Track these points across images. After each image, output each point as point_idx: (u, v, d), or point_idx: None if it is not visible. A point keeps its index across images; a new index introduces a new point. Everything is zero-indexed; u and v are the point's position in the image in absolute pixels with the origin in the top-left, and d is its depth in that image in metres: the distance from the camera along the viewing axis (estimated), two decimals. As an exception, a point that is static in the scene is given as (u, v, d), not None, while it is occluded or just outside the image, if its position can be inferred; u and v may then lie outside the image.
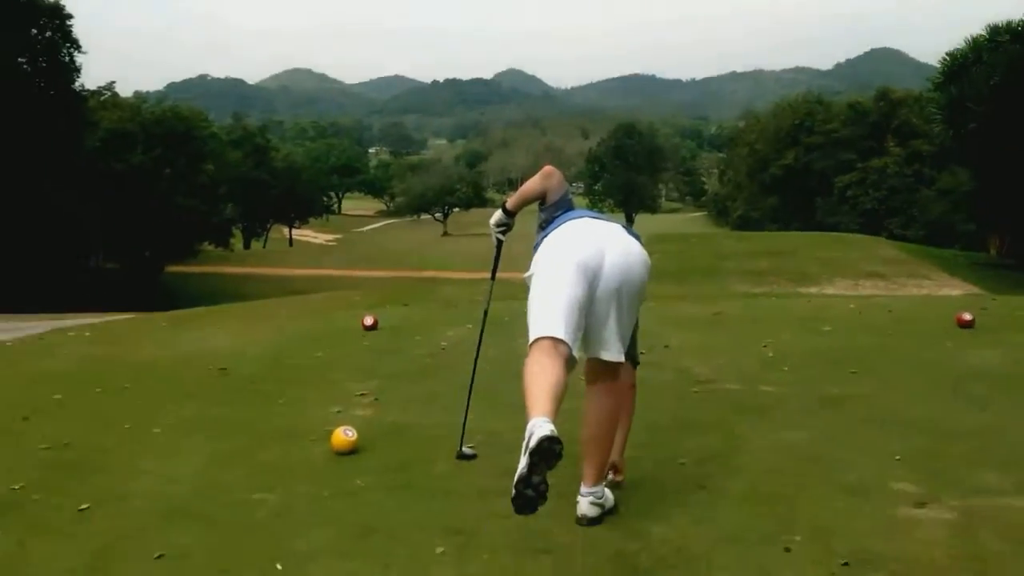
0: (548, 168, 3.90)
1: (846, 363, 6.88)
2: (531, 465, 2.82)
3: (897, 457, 4.46)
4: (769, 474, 4.26)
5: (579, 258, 3.47)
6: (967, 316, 8.60)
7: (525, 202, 3.93)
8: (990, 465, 4.31)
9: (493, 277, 4.31)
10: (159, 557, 3.44)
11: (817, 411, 5.45)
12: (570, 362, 3.36)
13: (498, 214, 4.02)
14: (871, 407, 5.52)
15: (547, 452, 2.83)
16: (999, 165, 24.46)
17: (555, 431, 2.87)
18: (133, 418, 5.65)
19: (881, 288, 19.15)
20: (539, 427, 2.88)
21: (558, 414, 3.05)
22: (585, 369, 3.74)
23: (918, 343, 7.82)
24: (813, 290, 18.53)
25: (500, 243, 4.11)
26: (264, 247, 79.28)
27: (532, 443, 2.83)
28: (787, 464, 4.40)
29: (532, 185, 3.87)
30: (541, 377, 3.16)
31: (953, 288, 19.15)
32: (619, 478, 4.06)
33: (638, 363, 4.29)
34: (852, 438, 4.84)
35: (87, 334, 10.83)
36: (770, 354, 7.36)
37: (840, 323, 9.22)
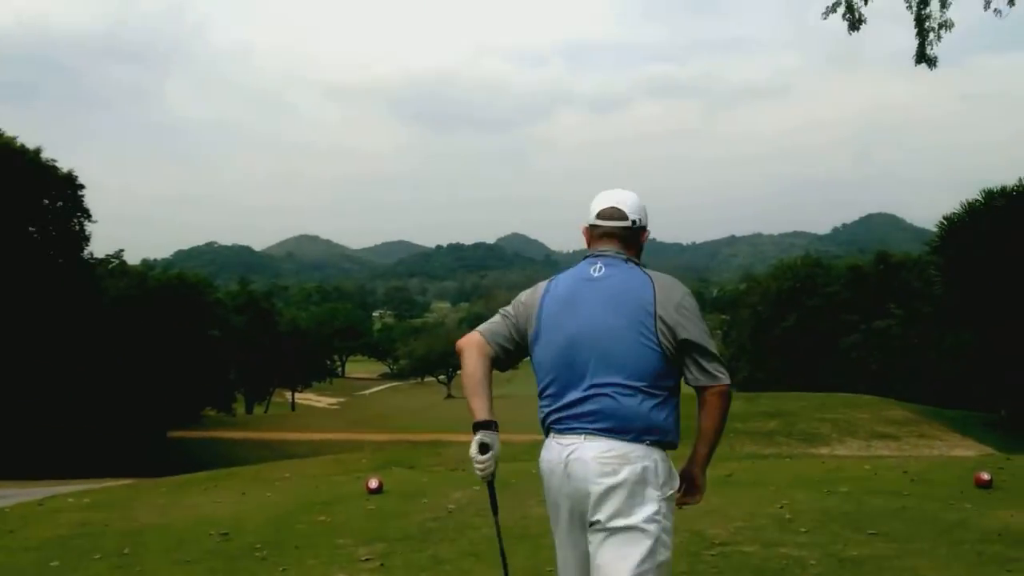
0: (458, 345, 3.03)
1: (864, 524, 6.71)
2: None
3: (926, 623, 4.28)
4: (794, 642, 4.08)
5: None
6: (985, 476, 8.46)
7: (482, 397, 2.92)
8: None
9: (495, 514, 3.07)
10: None
11: (838, 574, 5.27)
12: None
13: (474, 444, 2.84)
14: (894, 570, 5.35)
15: None
16: (1001, 325, 24.60)
17: None
18: (131, 586, 5.47)
19: (893, 449, 18.91)
20: None
21: None
22: None
23: (937, 504, 7.65)
24: (824, 451, 18.28)
25: (490, 482, 2.94)
26: (266, 411, 78.87)
27: None
28: (812, 631, 4.22)
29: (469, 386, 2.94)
30: None
31: (966, 449, 18.90)
32: None
33: None
34: (877, 603, 4.66)
35: (86, 500, 10.64)
36: (787, 515, 7.19)
37: (855, 484, 9.05)
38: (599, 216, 2.97)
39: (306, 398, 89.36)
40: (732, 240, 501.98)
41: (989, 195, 25.04)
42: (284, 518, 7.89)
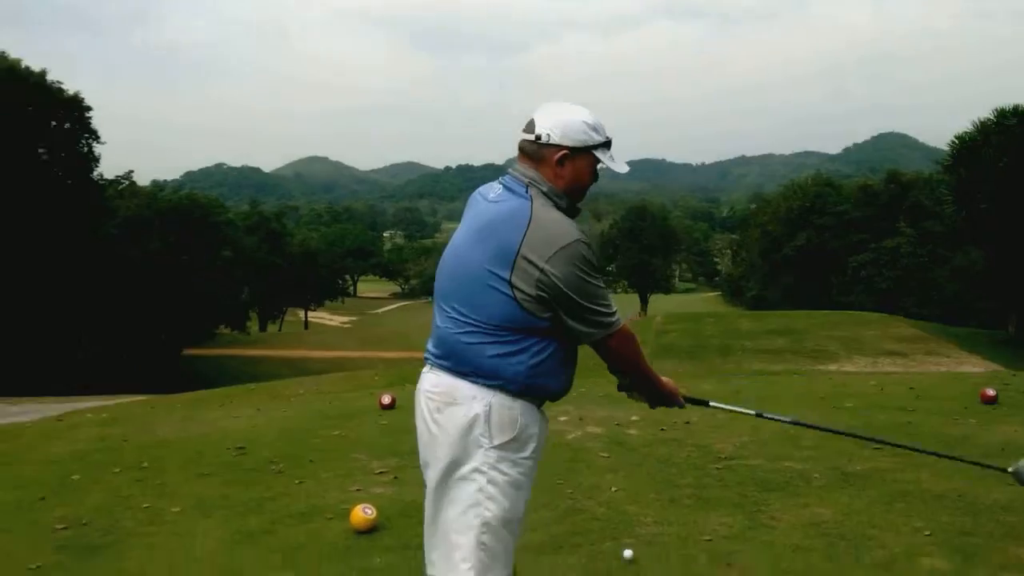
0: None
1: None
2: None
3: (926, 533, 4.39)
4: (796, 551, 4.19)
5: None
6: (991, 392, 8.53)
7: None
8: (1020, 540, 4.24)
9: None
10: (178, 636, 3.39)
11: (842, 487, 5.37)
12: None
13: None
14: (897, 483, 5.44)
15: None
16: (1011, 243, 24.52)
17: None
18: (151, 498, 5.62)
19: (900, 366, 19.01)
20: None
21: None
22: None
23: (942, 419, 7.73)
24: (832, 368, 18.41)
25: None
26: (280, 330, 79.54)
27: None
28: (814, 541, 4.33)
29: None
30: None
31: (973, 365, 19.00)
32: None
33: None
34: (879, 514, 4.76)
35: (104, 415, 10.84)
36: (792, 431, 7.28)
37: (862, 400, 9.14)
38: (523, 128, 2.65)
39: (319, 317, 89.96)
40: (743, 160, 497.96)
41: (1002, 114, 24.76)
42: (299, 433, 8.04)
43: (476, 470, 2.50)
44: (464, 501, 2.51)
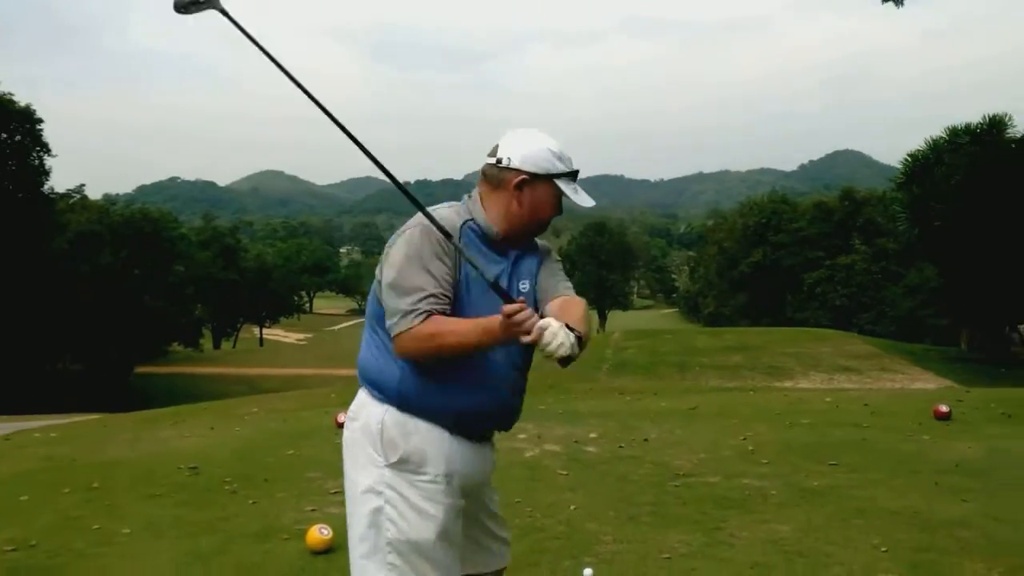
0: None
1: (825, 456, 6.86)
2: None
3: (883, 549, 4.42)
4: (755, 568, 4.19)
5: None
6: (944, 408, 8.65)
7: None
8: (976, 556, 4.27)
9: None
10: (128, 662, 3.30)
11: (799, 504, 5.40)
12: None
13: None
14: (853, 499, 5.48)
15: None
16: (964, 261, 24.93)
17: None
18: (101, 519, 5.49)
19: (855, 382, 19.23)
20: None
21: None
22: None
23: (896, 436, 7.82)
24: (788, 384, 18.56)
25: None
26: (234, 347, 78.66)
27: None
28: (773, 558, 4.34)
29: None
30: None
31: (926, 382, 19.27)
32: None
33: None
34: (836, 530, 4.79)
35: (53, 435, 10.62)
36: (749, 447, 7.33)
37: (817, 416, 9.23)
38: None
39: (274, 334, 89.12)
40: (700, 177, 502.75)
41: (954, 133, 25.17)
42: (253, 452, 7.93)
43: (371, 489, 2.42)
44: (358, 528, 2.44)
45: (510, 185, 2.48)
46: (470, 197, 2.56)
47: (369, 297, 2.54)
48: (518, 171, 2.47)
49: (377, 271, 2.49)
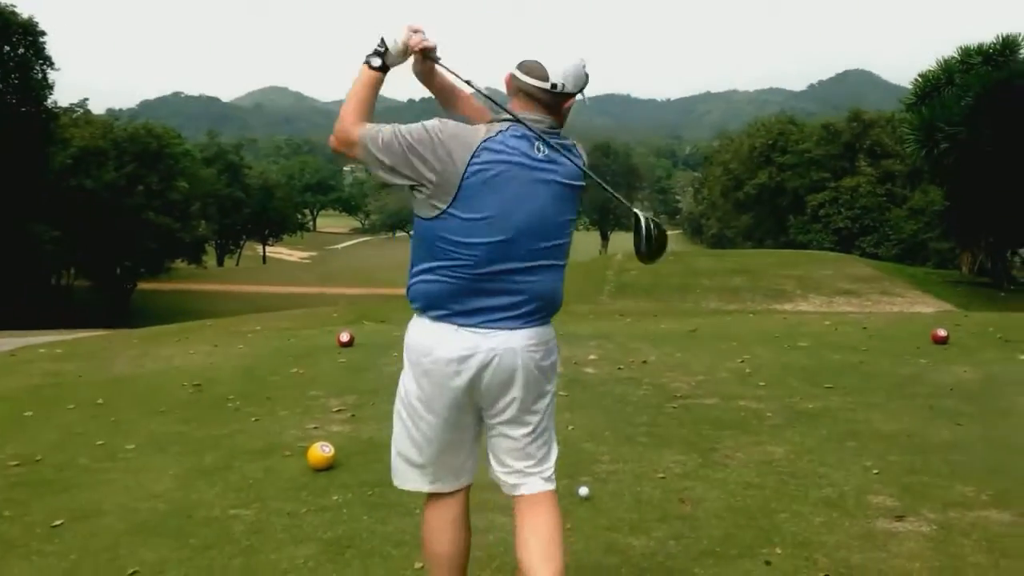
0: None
1: (822, 379, 6.92)
2: None
3: (875, 471, 4.48)
4: (748, 488, 4.26)
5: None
6: (942, 332, 8.69)
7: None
8: (966, 478, 4.34)
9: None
10: (133, 574, 3.39)
11: (794, 426, 5.47)
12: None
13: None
14: (847, 422, 5.55)
15: None
16: (971, 184, 24.74)
17: None
18: (106, 435, 5.58)
19: (855, 305, 19.27)
20: None
21: None
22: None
23: (893, 359, 7.87)
24: (787, 307, 18.61)
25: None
26: (237, 264, 78.81)
27: None
28: (766, 478, 4.41)
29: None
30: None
31: (926, 305, 19.30)
32: None
33: None
34: (829, 452, 4.86)
35: (58, 351, 10.71)
36: (747, 370, 7.39)
37: (815, 340, 9.28)
38: (520, 69, 2.49)
39: (277, 252, 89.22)
40: (707, 96, 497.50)
41: (966, 53, 24.74)
42: (256, 370, 8.00)
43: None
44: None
45: (562, 109, 2.57)
46: (561, 146, 2.56)
47: (568, 233, 2.63)
48: (570, 95, 2.54)
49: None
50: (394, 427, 2.71)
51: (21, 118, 40.69)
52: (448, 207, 2.44)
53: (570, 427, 5.43)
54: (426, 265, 2.53)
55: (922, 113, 24.75)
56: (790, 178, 58.37)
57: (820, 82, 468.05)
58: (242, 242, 79.94)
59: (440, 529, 2.71)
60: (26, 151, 39.30)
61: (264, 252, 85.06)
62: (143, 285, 52.95)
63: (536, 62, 2.46)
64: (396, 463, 2.73)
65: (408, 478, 2.71)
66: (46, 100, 43.00)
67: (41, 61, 42.02)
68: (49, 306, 40.29)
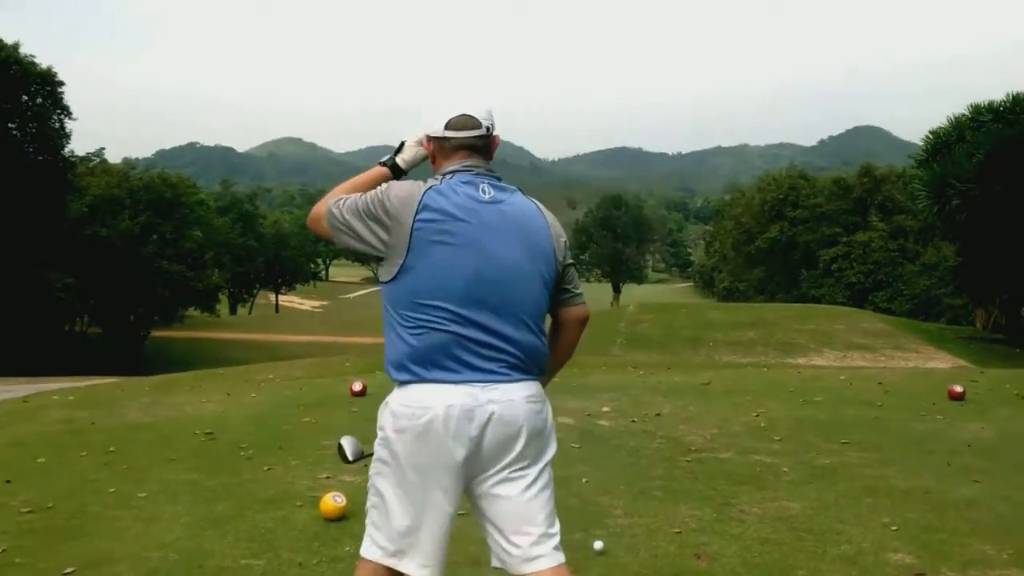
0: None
1: (838, 434, 6.87)
2: None
3: (893, 528, 4.43)
4: (765, 544, 4.21)
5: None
6: (958, 389, 8.63)
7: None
8: (985, 536, 4.28)
9: None
10: (144, 624, 3.36)
11: (810, 481, 5.42)
12: None
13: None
14: (864, 478, 5.49)
15: None
16: (984, 241, 24.74)
17: None
18: (117, 482, 5.56)
19: (869, 360, 19.19)
20: None
21: None
22: None
23: (909, 415, 7.81)
24: (801, 361, 18.54)
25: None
26: (250, 313, 79.06)
27: None
28: (782, 534, 4.36)
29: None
30: None
31: (941, 361, 19.21)
32: None
33: None
34: (847, 508, 4.80)
35: (71, 397, 10.72)
36: (762, 424, 7.34)
37: (831, 394, 9.22)
38: (449, 127, 2.55)
39: (290, 300, 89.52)
40: (718, 151, 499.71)
41: (977, 110, 24.91)
42: (269, 418, 7.99)
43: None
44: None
45: (492, 150, 2.67)
46: (505, 185, 2.61)
47: (543, 288, 2.53)
48: (494, 135, 2.64)
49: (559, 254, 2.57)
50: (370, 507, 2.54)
51: (39, 167, 41.19)
52: (403, 262, 2.42)
53: (584, 480, 5.40)
54: (399, 331, 2.45)
55: (934, 169, 24.84)
56: (802, 232, 58.49)
57: (830, 137, 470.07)
58: (255, 291, 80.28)
59: None
60: (43, 199, 39.71)
61: (277, 301, 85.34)
62: (156, 333, 53.10)
63: (463, 115, 2.55)
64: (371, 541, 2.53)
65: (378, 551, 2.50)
66: (63, 149, 43.55)
67: (59, 111, 42.64)
68: (62, 353, 40.41)
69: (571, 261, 2.64)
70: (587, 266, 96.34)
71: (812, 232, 57.73)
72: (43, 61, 41.63)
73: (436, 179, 2.53)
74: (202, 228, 54.97)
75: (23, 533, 4.56)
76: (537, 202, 2.62)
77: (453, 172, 2.52)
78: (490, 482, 2.46)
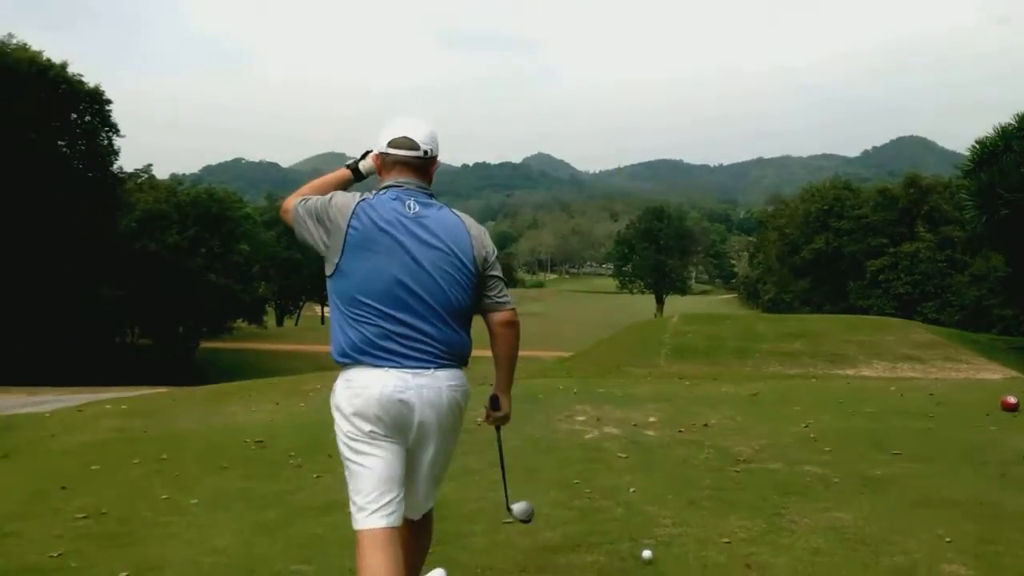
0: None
1: (889, 445, 6.78)
2: None
3: (947, 540, 4.36)
4: (816, 555, 4.17)
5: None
6: (1012, 399, 8.48)
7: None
8: (1044, 549, 4.20)
9: None
10: (198, 627, 3.40)
11: (862, 492, 5.35)
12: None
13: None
14: (917, 489, 5.41)
15: None
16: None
17: None
18: (170, 489, 5.65)
19: (919, 371, 18.89)
20: None
21: None
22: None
23: (962, 426, 7.69)
24: (850, 372, 18.29)
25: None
26: (296, 324, 79.78)
27: None
28: (833, 545, 4.31)
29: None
30: None
31: (992, 372, 18.85)
32: None
33: None
34: (899, 520, 4.73)
35: (124, 407, 10.87)
36: (811, 435, 7.26)
37: (880, 405, 9.10)
38: (391, 145, 3.03)
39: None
40: (760, 162, 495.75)
41: (1022, 119, 24.50)
42: (317, 427, 8.03)
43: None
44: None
45: (432, 171, 3.16)
46: (431, 202, 3.07)
47: (460, 291, 2.98)
48: (435, 158, 3.14)
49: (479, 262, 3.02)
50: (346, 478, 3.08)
51: (89, 183, 41.98)
52: (338, 263, 2.91)
53: (631, 489, 5.38)
54: (340, 322, 2.95)
55: (981, 179, 24.47)
56: (847, 243, 57.86)
57: (874, 147, 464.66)
58: (301, 302, 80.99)
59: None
60: (94, 215, 40.47)
61: (322, 312, 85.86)
62: (205, 344, 53.77)
63: (404, 137, 3.02)
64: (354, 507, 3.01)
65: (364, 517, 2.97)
66: (112, 165, 44.37)
67: (107, 128, 43.48)
68: (114, 364, 41.04)
69: (496, 272, 3.08)
70: (629, 277, 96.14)
71: (858, 243, 57.07)
72: (91, 80, 42.52)
73: (371, 193, 3.00)
74: (249, 241, 55.62)
75: (78, 538, 4.64)
76: (464, 217, 3.08)
77: (387, 187, 3.01)
78: (416, 449, 3.02)
